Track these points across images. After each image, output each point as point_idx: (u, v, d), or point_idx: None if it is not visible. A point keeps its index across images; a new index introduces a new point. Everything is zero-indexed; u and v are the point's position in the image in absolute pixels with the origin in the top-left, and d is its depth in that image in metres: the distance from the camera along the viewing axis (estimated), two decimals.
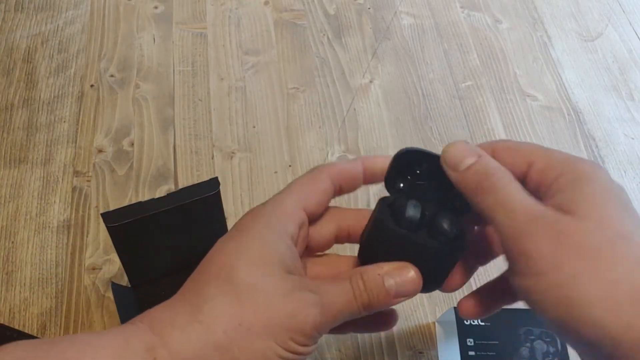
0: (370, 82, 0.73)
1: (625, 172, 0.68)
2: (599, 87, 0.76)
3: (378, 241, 0.31)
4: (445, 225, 0.30)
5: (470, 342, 0.51)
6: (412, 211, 0.30)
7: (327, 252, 0.35)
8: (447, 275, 0.32)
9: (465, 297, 0.34)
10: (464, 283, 0.34)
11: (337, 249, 0.36)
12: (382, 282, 0.30)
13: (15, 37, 0.73)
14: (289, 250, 0.30)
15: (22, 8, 0.76)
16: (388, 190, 0.31)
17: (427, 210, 0.30)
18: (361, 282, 0.29)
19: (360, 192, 0.63)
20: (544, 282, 0.25)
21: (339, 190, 0.33)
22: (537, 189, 0.28)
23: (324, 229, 0.33)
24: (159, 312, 0.28)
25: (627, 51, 0.79)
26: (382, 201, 0.31)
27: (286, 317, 0.27)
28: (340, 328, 0.31)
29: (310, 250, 0.34)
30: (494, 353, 0.50)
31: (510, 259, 0.27)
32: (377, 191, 0.63)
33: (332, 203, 0.35)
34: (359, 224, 0.33)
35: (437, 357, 0.55)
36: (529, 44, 0.79)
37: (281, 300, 0.28)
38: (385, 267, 0.30)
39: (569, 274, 0.24)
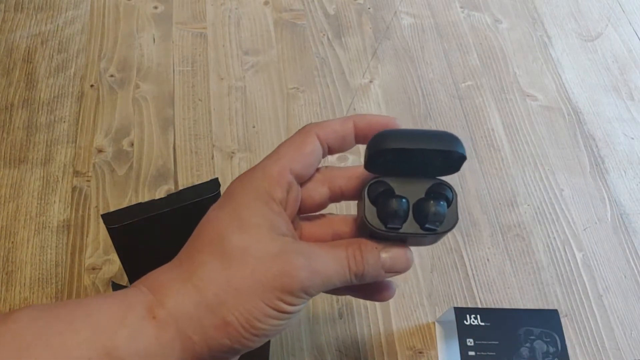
0: (370, 82, 0.73)
1: (625, 172, 0.68)
2: (599, 87, 0.76)
3: (369, 236, 0.32)
4: (435, 212, 0.30)
5: (470, 342, 0.51)
6: (396, 210, 0.30)
7: (323, 212, 0.35)
8: (439, 240, 0.33)
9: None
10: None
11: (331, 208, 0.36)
12: (379, 255, 0.31)
13: (15, 37, 0.73)
14: (278, 214, 0.31)
15: (22, 8, 0.76)
16: (367, 170, 0.31)
17: (413, 190, 0.31)
18: (358, 253, 0.31)
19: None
20: None
21: (329, 150, 0.33)
22: None
23: (317, 191, 0.34)
24: (157, 276, 0.30)
25: (627, 51, 0.79)
26: (366, 193, 0.31)
27: (273, 277, 0.29)
28: (336, 290, 0.33)
29: (305, 211, 0.34)
30: (494, 353, 0.50)
31: None
32: None
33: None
34: (352, 183, 0.34)
35: (437, 357, 0.55)
36: (529, 44, 0.79)
37: (269, 262, 0.29)
38: (382, 243, 0.31)
39: None
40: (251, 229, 0.30)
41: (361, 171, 0.33)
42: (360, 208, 0.31)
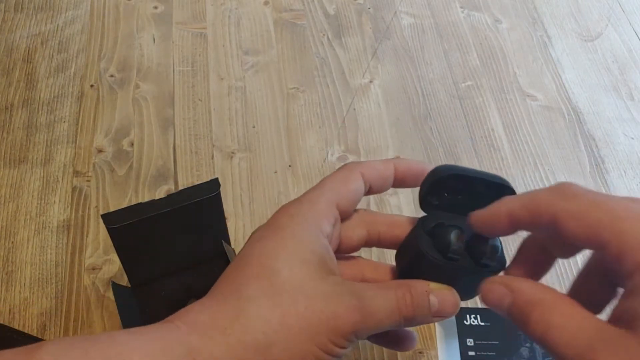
0: (370, 82, 0.73)
1: (625, 172, 0.68)
2: (599, 87, 0.76)
3: (420, 268, 0.31)
4: (489, 254, 0.30)
5: (470, 342, 0.51)
6: (456, 242, 0.30)
7: (354, 254, 0.35)
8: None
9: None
10: None
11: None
12: (428, 299, 0.30)
13: (15, 37, 0.73)
14: (327, 250, 0.30)
15: (22, 8, 0.76)
16: (423, 209, 0.31)
17: (467, 235, 0.30)
18: (409, 296, 0.29)
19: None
20: None
21: (369, 190, 0.33)
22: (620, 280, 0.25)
23: (355, 232, 0.33)
24: (198, 313, 0.28)
25: (627, 51, 0.79)
26: (420, 225, 0.31)
27: (327, 319, 0.27)
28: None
29: (338, 252, 0.34)
30: (494, 353, 0.50)
31: None
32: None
33: None
34: (391, 231, 0.33)
35: (437, 357, 0.55)
36: (529, 44, 0.79)
37: (322, 302, 0.28)
38: (431, 285, 0.30)
39: None
40: (301, 264, 0.28)
41: (402, 220, 0.33)
42: (412, 243, 0.31)
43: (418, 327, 0.56)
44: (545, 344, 0.25)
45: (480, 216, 0.29)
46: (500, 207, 0.28)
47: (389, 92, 0.73)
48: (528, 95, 0.74)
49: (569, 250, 0.29)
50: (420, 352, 0.55)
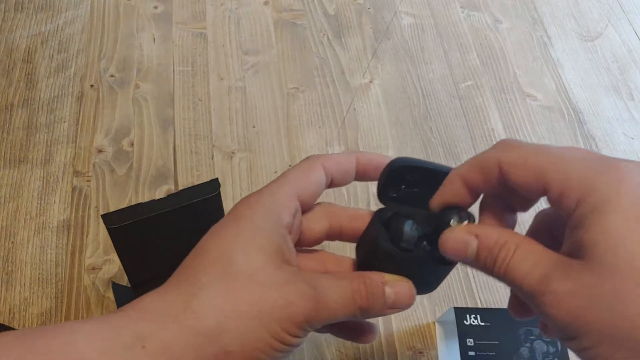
0: (370, 82, 0.73)
1: None
2: (599, 87, 0.76)
3: (377, 258, 0.31)
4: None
5: (470, 342, 0.51)
6: (409, 232, 0.30)
7: (316, 247, 0.35)
8: (440, 282, 0.32)
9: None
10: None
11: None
12: (383, 290, 0.30)
13: (15, 37, 0.73)
14: (285, 240, 0.30)
15: (22, 8, 0.76)
16: (380, 201, 0.31)
17: (423, 226, 0.30)
18: (363, 287, 0.29)
19: (361, 191, 0.63)
20: (582, 349, 0.24)
21: (331, 183, 0.33)
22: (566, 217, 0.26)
23: (317, 225, 0.33)
24: (151, 300, 0.28)
25: (627, 51, 0.79)
26: (377, 217, 0.31)
27: (279, 307, 0.27)
28: (321, 328, 0.31)
29: (300, 244, 0.34)
30: (494, 353, 0.50)
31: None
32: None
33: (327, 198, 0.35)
34: (353, 224, 0.33)
35: (437, 357, 0.55)
36: (529, 44, 0.79)
37: (276, 291, 0.27)
38: (387, 277, 0.30)
39: (595, 339, 0.23)
40: (257, 253, 0.28)
41: (363, 214, 0.33)
42: (369, 234, 0.31)
43: (418, 327, 0.56)
44: (507, 280, 0.27)
45: (438, 194, 0.30)
46: (452, 176, 0.30)
47: (389, 92, 0.73)
48: (528, 95, 0.74)
49: (525, 203, 0.31)
50: (420, 352, 0.55)
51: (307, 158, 0.33)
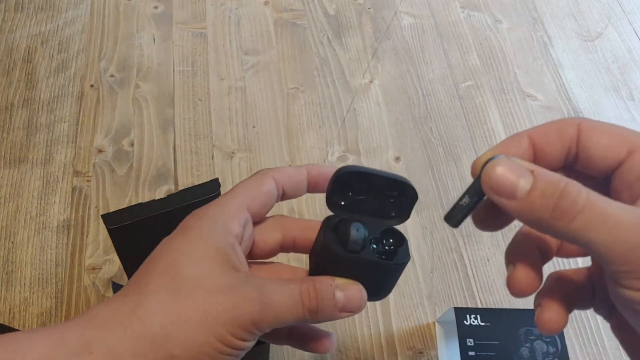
0: (370, 82, 0.73)
1: None
2: (599, 87, 0.76)
3: (327, 263, 0.31)
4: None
5: (470, 342, 0.51)
6: (356, 234, 0.30)
7: (272, 260, 0.35)
8: (394, 286, 0.33)
9: (547, 311, 0.30)
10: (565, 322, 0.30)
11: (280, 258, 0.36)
12: (334, 293, 0.30)
13: (15, 37, 0.73)
14: (233, 249, 0.30)
15: (22, 8, 0.76)
16: (329, 207, 0.32)
17: (370, 228, 0.31)
18: (312, 289, 0.30)
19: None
20: None
21: (283, 195, 0.34)
22: (633, 184, 0.25)
23: (270, 236, 0.34)
24: (99, 309, 0.28)
25: (627, 51, 0.79)
26: (326, 222, 0.32)
27: (225, 310, 0.27)
28: (277, 338, 0.32)
29: (254, 256, 0.34)
30: (494, 353, 0.50)
31: (621, 275, 0.24)
32: None
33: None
34: (305, 234, 0.33)
35: (437, 357, 0.55)
36: (529, 44, 0.79)
37: (222, 295, 0.28)
38: (337, 281, 0.31)
39: None
40: (204, 261, 0.29)
41: (316, 224, 0.33)
42: (318, 241, 0.32)
43: (418, 327, 0.56)
44: (579, 243, 0.24)
45: (496, 147, 0.27)
46: (520, 133, 0.28)
47: (389, 92, 0.73)
48: (528, 95, 0.74)
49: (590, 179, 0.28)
50: (420, 352, 0.55)
51: (258, 171, 0.33)
